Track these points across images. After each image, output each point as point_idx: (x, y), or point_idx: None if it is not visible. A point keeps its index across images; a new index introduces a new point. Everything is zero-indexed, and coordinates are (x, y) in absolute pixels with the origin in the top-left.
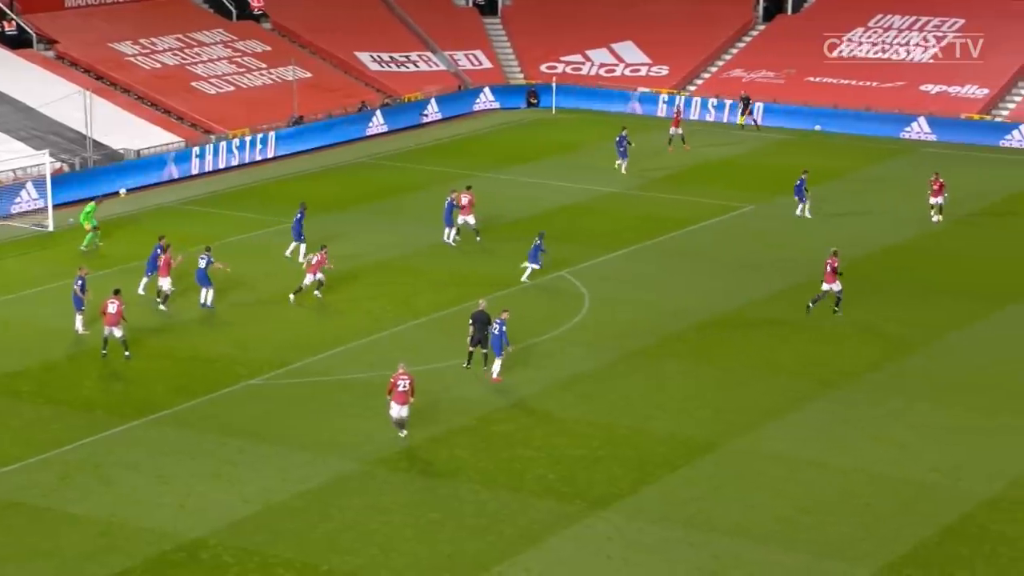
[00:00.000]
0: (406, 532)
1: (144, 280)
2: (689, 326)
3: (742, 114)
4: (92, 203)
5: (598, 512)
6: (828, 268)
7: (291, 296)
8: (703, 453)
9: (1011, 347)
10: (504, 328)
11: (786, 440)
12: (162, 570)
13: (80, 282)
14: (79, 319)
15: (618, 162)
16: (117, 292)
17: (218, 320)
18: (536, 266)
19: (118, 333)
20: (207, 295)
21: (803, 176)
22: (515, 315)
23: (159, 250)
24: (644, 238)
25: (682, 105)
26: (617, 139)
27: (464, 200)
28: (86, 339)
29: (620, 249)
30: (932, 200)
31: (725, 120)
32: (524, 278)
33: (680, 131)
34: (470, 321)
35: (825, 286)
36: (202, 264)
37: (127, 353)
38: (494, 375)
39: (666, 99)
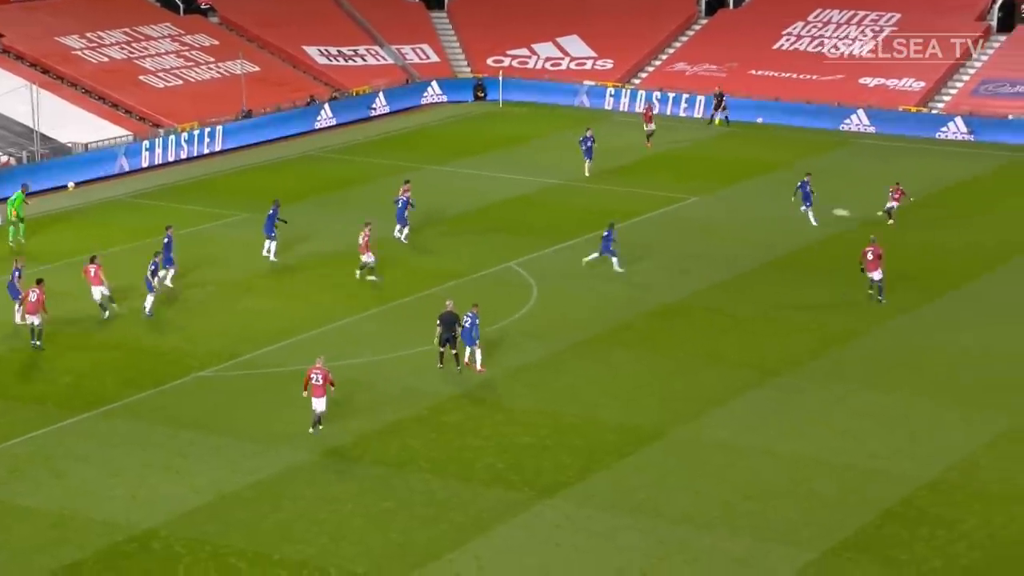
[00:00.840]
0: (357, 521)
1: (172, 272)
2: (636, 316)
3: (716, 109)
4: (20, 192)
5: (547, 500)
6: (870, 256)
7: (357, 272)
8: (650, 441)
9: (949, 333)
10: (477, 321)
11: (731, 427)
12: (114, 561)
13: (16, 273)
14: (18, 310)
15: (585, 164)
16: (40, 281)
17: (167, 312)
18: (598, 255)
19: (37, 321)
20: (149, 300)
21: (806, 179)
22: (466, 307)
23: (168, 239)
24: (590, 230)
25: (647, 99)
26: (582, 139)
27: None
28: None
29: (567, 241)
30: (890, 204)
31: (668, 113)
32: (588, 259)
33: (652, 127)
34: (438, 322)
35: (870, 274)
36: (150, 271)
37: (38, 343)
38: (478, 366)
39: (613, 92)
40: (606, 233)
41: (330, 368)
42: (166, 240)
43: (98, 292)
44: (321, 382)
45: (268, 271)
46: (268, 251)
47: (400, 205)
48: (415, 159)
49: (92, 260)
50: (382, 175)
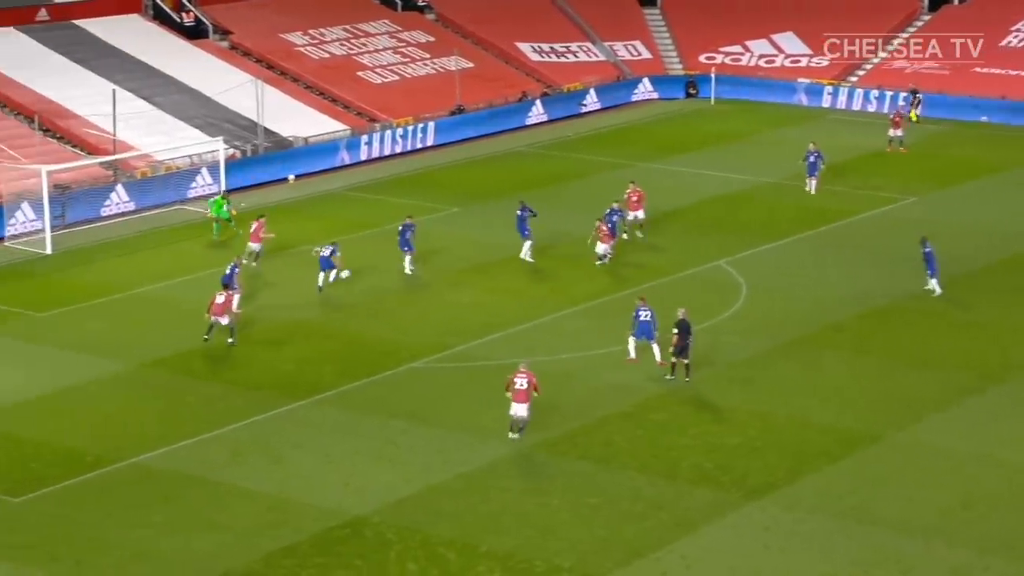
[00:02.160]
0: (563, 515)
1: (410, 255)
2: (847, 317)
3: (913, 105)
4: (220, 198)
5: (755, 501)
6: None
7: (597, 262)
8: (862, 444)
9: None
10: (653, 314)
11: (948, 433)
12: (328, 546)
13: (235, 267)
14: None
15: (808, 181)
16: (227, 286)
17: (379, 304)
18: (933, 278)
19: (224, 321)
20: (327, 277)
21: None
22: (674, 305)
23: (411, 230)
24: (803, 229)
25: (905, 103)
26: (807, 154)
27: (631, 195)
28: (254, 322)
29: (778, 240)
30: None
31: (886, 111)
32: (933, 288)
33: (901, 133)
34: (675, 330)
35: None
36: (326, 252)
37: (230, 340)
38: (658, 358)
39: (831, 91)
40: (926, 250)
41: (538, 363)
42: (409, 227)
43: (255, 247)
44: (525, 387)
45: (478, 265)
46: (525, 253)
47: (614, 217)
48: (626, 155)
49: (259, 217)
50: (593, 171)
